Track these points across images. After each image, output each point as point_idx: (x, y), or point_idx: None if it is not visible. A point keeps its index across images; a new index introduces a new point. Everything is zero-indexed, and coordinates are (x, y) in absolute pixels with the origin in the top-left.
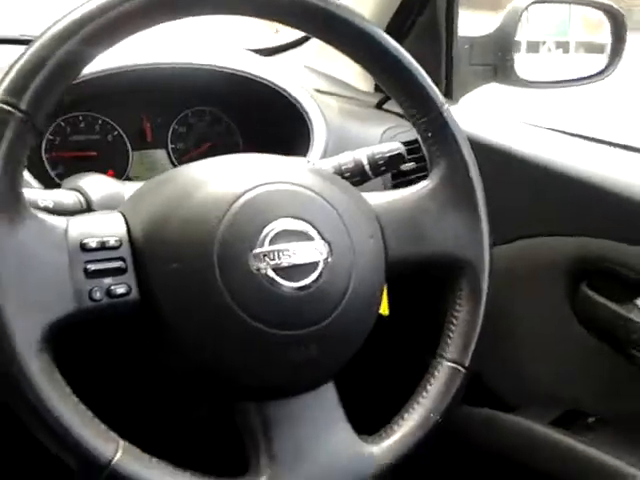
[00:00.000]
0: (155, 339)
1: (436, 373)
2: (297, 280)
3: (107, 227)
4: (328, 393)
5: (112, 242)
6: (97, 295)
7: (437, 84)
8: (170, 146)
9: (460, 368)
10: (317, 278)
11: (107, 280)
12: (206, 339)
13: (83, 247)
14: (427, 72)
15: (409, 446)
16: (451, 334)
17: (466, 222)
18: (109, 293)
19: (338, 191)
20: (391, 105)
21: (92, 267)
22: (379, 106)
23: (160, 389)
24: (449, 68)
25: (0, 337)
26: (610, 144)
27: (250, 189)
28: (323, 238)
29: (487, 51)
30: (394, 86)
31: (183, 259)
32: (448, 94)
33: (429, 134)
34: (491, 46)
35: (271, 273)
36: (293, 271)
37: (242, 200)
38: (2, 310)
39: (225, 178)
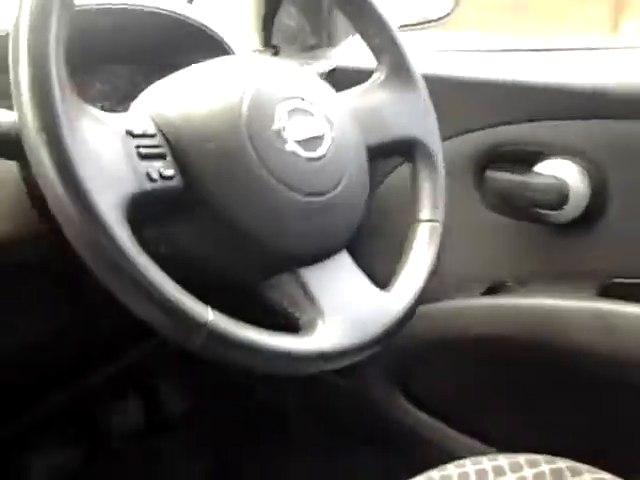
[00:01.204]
0: (200, 217)
1: (418, 233)
2: (314, 150)
3: (137, 119)
4: (347, 258)
5: (150, 130)
6: (154, 176)
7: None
8: None
9: (436, 224)
10: (328, 149)
11: (157, 163)
12: (246, 210)
13: (130, 133)
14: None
15: (416, 296)
16: (421, 199)
17: (416, 105)
18: (162, 175)
19: (322, 82)
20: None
21: (143, 151)
22: None
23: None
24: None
25: (88, 209)
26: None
27: (259, 75)
28: (324, 115)
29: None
30: (356, 14)
31: (216, 138)
32: (330, 39)
33: (377, 40)
34: None
35: (293, 145)
36: (309, 143)
37: (255, 83)
38: (84, 184)
39: (234, 68)
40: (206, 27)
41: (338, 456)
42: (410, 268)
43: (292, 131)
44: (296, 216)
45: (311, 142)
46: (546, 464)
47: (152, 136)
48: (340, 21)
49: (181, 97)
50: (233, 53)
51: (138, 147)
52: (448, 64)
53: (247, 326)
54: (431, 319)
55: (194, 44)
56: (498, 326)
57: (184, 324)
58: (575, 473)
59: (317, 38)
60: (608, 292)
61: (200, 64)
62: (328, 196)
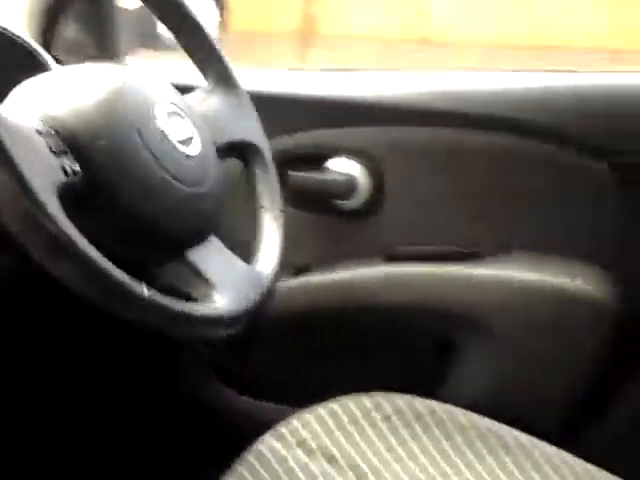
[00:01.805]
0: (104, 210)
1: (265, 221)
2: (189, 148)
3: (32, 121)
4: (217, 240)
5: (48, 130)
6: (68, 170)
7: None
8: None
9: (277, 212)
10: (198, 147)
11: (65, 160)
12: (143, 203)
13: (38, 132)
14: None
15: (275, 269)
16: (260, 193)
17: (246, 114)
18: (73, 170)
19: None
20: None
21: (53, 147)
22: None
23: None
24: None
25: (23, 188)
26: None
27: (127, 79)
28: (190, 118)
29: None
30: (182, 33)
31: (107, 137)
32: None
33: (202, 56)
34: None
35: (177, 144)
36: (186, 142)
37: (127, 85)
38: (19, 168)
39: (99, 72)
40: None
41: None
42: (266, 248)
43: (173, 131)
44: (184, 205)
45: (187, 141)
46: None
47: (52, 135)
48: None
49: (64, 98)
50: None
51: (47, 145)
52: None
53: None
54: None
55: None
56: (306, 301)
57: (127, 298)
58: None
59: (99, 51)
60: (393, 260)
61: (66, 67)
62: (205, 187)
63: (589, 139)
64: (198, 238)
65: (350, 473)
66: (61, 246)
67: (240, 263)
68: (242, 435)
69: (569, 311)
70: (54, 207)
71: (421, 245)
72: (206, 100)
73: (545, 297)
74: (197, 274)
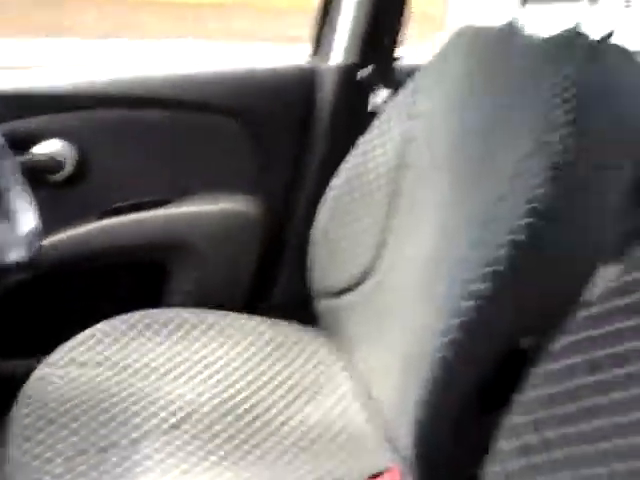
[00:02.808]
0: None
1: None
2: None
3: None
4: None
5: None
6: None
7: None
8: None
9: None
10: None
11: None
12: None
13: None
14: None
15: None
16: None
17: None
18: None
19: None
20: None
21: None
22: None
23: None
24: None
25: None
26: None
27: None
28: None
29: None
30: None
31: None
32: None
33: None
34: None
35: None
36: None
37: None
38: None
39: None
40: None
41: None
42: (25, 217)
43: None
44: None
45: None
46: None
47: None
48: None
49: None
50: None
51: None
52: None
53: None
54: None
55: None
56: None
57: None
58: None
59: None
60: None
61: None
62: None
63: (223, 105)
64: None
65: (148, 376)
66: None
67: (13, 228)
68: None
69: (235, 227)
70: None
71: (123, 201)
72: None
73: (219, 221)
74: None
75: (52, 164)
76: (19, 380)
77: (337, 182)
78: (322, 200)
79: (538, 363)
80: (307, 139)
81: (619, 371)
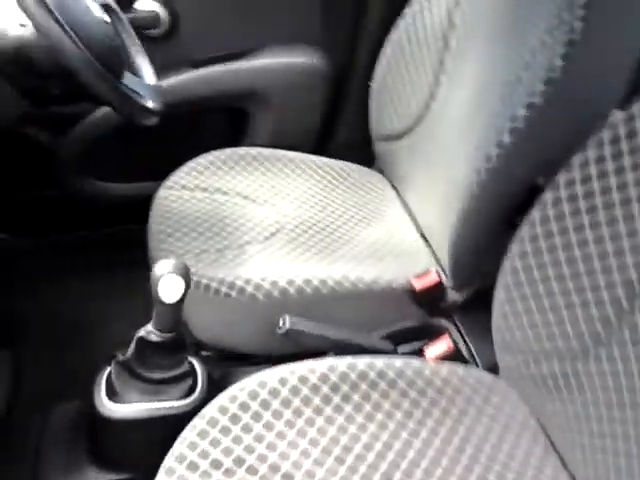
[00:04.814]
0: None
1: (136, 51)
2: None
3: None
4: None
5: None
6: None
7: None
8: None
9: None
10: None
11: None
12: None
13: None
14: None
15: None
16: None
17: None
18: None
19: None
20: None
21: None
22: None
23: None
24: None
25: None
26: None
27: None
28: None
29: None
30: None
31: None
32: None
33: None
34: None
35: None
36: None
37: None
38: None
39: None
40: None
41: None
42: (147, 69)
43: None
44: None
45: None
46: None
47: None
48: None
49: None
50: None
51: None
52: None
53: None
54: None
55: None
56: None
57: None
58: None
59: None
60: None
61: None
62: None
63: None
64: (122, 70)
65: (244, 200)
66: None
67: (144, 81)
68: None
69: (305, 77)
70: None
71: (209, 54)
72: None
73: (290, 71)
74: (133, 90)
75: (150, 20)
76: (147, 198)
77: (393, 37)
78: (381, 52)
79: (547, 194)
80: None
81: (617, 197)
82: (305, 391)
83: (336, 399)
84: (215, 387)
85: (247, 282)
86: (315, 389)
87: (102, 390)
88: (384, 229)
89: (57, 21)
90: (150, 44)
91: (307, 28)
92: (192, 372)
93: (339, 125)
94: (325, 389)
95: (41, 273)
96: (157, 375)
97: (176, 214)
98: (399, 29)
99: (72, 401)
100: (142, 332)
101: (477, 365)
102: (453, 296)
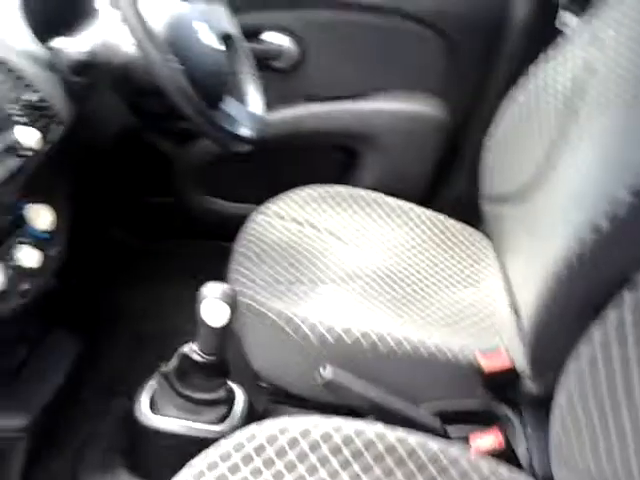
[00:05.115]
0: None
1: (249, 81)
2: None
3: None
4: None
5: None
6: None
7: None
8: None
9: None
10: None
11: None
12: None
13: None
14: None
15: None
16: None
17: (223, 13)
18: None
19: None
20: None
21: None
22: None
23: None
24: None
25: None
26: None
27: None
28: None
29: None
30: None
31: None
32: None
33: None
34: None
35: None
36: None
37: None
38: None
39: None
40: None
41: None
42: (255, 98)
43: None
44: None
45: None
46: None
47: None
48: None
49: None
50: None
51: None
52: None
53: None
54: None
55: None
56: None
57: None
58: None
59: None
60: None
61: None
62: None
63: (420, 14)
64: (224, 97)
65: (332, 238)
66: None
67: (247, 108)
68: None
69: (420, 125)
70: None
71: (328, 91)
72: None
73: (406, 116)
74: (231, 116)
75: (275, 52)
76: (241, 217)
77: (517, 94)
78: (501, 110)
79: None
80: (495, 51)
81: None
82: (324, 449)
83: (355, 467)
84: (254, 420)
85: (304, 320)
86: (336, 450)
87: (144, 397)
88: (471, 295)
89: (154, 42)
90: (273, 75)
91: (429, 77)
92: (229, 399)
93: (449, 179)
94: (347, 453)
95: (140, 274)
96: (194, 394)
97: (262, 240)
98: (523, 89)
99: (122, 400)
100: (186, 349)
101: (533, 473)
102: (527, 385)
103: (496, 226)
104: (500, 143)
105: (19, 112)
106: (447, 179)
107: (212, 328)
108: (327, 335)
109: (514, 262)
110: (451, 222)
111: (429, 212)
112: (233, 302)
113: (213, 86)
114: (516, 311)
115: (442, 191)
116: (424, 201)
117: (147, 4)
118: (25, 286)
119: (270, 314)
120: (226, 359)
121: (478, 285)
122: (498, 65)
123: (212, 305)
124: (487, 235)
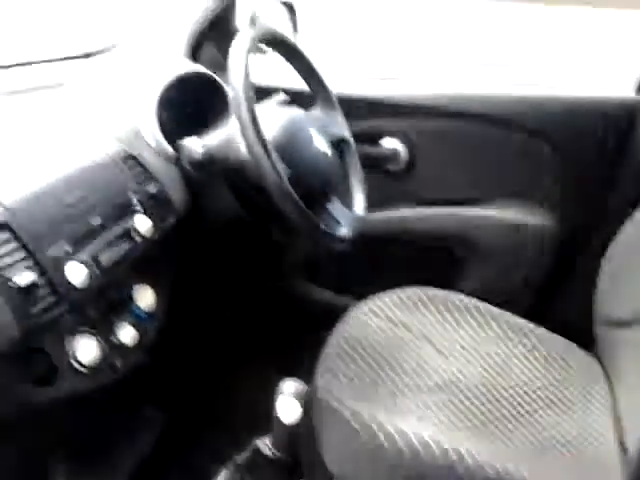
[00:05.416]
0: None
1: (356, 184)
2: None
3: None
4: (336, 198)
5: None
6: None
7: None
8: None
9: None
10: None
11: None
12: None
13: None
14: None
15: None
16: (351, 169)
17: (339, 117)
18: None
19: None
20: None
21: None
22: None
23: None
24: None
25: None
26: None
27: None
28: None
29: None
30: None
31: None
32: None
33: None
34: None
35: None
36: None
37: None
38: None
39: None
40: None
41: None
42: (358, 200)
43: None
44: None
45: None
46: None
47: None
48: None
49: None
50: None
51: None
52: None
53: None
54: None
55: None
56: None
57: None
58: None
59: None
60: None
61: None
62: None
63: (535, 127)
64: (329, 197)
65: (425, 343)
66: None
67: (349, 209)
68: (323, 316)
69: (526, 234)
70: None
71: (437, 195)
72: (316, 111)
73: (511, 225)
74: (332, 216)
75: (390, 156)
76: (341, 309)
77: (639, 218)
78: (620, 231)
79: None
80: (615, 171)
81: None
82: None
83: None
84: None
85: (380, 427)
86: None
87: None
88: (572, 424)
89: (263, 145)
90: (386, 178)
91: (541, 190)
92: None
93: (559, 295)
94: None
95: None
96: None
97: (354, 336)
98: None
99: None
100: (259, 442)
101: None
102: None
103: (610, 351)
104: (619, 264)
105: (140, 201)
106: (558, 294)
107: (285, 425)
108: (404, 447)
109: (628, 393)
110: (559, 340)
111: (534, 326)
112: (307, 402)
113: (321, 187)
114: (624, 448)
115: (551, 306)
116: (528, 314)
117: (266, 110)
118: (117, 362)
119: (346, 414)
120: (299, 459)
121: (583, 413)
122: (621, 183)
123: (287, 402)
124: (598, 359)
